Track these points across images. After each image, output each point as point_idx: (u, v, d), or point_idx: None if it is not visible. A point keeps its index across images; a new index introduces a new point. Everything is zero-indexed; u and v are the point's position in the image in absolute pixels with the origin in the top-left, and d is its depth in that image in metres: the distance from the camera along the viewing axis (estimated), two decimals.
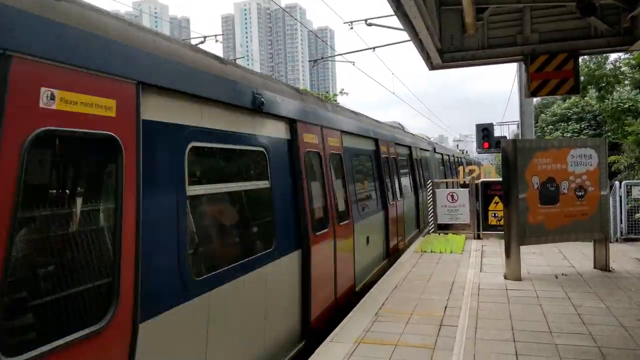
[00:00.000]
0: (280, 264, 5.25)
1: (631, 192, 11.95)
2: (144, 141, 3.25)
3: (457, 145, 78.75)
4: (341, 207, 7.53)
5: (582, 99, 26.70)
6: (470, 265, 9.58)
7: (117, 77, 3.06)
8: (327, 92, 48.08)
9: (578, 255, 10.17)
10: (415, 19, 6.65)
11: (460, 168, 24.56)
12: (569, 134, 29.08)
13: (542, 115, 33.15)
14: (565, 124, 30.38)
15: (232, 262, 4.35)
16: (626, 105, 18.55)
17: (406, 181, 13.65)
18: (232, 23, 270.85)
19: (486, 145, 18.89)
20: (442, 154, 23.66)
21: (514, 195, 8.40)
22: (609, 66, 19.13)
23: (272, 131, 5.49)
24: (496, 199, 12.64)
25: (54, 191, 3.00)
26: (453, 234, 13.60)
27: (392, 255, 10.69)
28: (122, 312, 2.92)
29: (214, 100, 4.24)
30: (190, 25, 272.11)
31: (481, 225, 12.93)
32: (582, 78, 16.54)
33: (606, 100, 19.14)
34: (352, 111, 9.71)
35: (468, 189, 13.45)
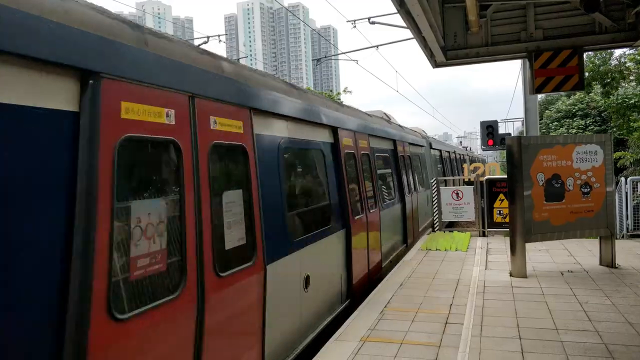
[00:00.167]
0: (335, 238, 6.94)
1: (637, 188, 11.91)
2: (257, 146, 4.80)
3: (460, 142, 78.37)
4: (370, 197, 9.01)
5: (587, 95, 26.56)
6: (475, 263, 9.57)
7: (241, 106, 4.56)
8: (331, 91, 47.95)
9: (584, 252, 10.15)
10: (419, 16, 6.65)
11: (465, 166, 23.96)
12: (574, 131, 28.96)
13: (546, 111, 33.02)
14: (570, 121, 30.25)
15: (311, 231, 6.11)
16: (631, 101, 18.45)
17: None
18: (235, 23, 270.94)
19: (491, 142, 18.85)
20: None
21: (519, 193, 8.38)
22: (613, 62, 19.03)
23: (325, 137, 7.11)
24: (501, 196, 12.62)
25: (217, 179, 4.19)
26: (458, 231, 13.60)
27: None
28: (258, 258, 4.57)
29: (293, 117, 5.86)
30: (193, 26, 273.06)
31: (486, 223, 12.91)
32: (586, 74, 16.46)
33: (611, 96, 19.04)
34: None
35: (473, 187, 13.43)
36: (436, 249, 11.13)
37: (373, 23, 16.36)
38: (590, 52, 17.19)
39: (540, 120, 22.64)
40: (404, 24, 7.45)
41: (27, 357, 2.40)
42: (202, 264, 3.72)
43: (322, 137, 6.98)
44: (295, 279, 5.51)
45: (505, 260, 9.59)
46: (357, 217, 7.80)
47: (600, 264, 8.92)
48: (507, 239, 9.12)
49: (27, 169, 2.46)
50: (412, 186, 12.96)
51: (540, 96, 24.53)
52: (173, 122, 3.54)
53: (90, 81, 2.82)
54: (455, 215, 13.62)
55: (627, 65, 18.77)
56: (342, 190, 7.31)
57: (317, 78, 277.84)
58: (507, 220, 11.25)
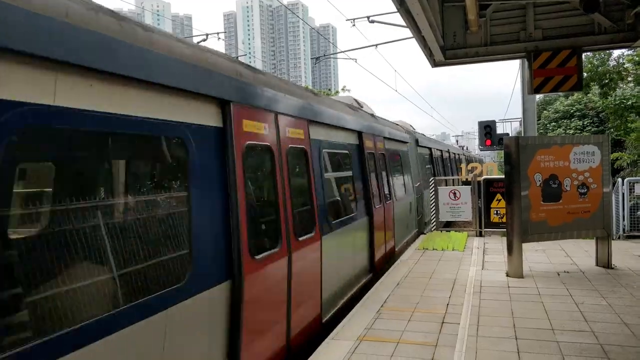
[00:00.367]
0: (361, 223, 8.32)
1: (634, 189, 11.92)
2: (312, 148, 6.36)
3: (457, 141, 78.44)
4: (385, 190, 10.35)
5: (585, 95, 26.62)
6: (472, 263, 9.58)
7: (303, 118, 6.11)
8: (329, 90, 47.85)
9: (580, 252, 10.17)
10: (418, 15, 6.63)
11: (462, 166, 23.58)
12: (571, 131, 29.02)
13: (544, 112, 33.08)
14: (568, 121, 30.32)
15: (342, 216, 7.49)
16: (629, 102, 18.51)
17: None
18: (234, 20, 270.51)
19: (488, 142, 18.84)
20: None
21: (516, 193, 8.38)
22: (612, 63, 19.07)
23: (352, 140, 8.48)
24: (498, 196, 12.62)
25: (283, 174, 5.45)
26: (455, 231, 13.60)
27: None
28: (316, 231, 6.17)
29: (333, 125, 7.38)
30: (192, 23, 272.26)
31: (483, 223, 12.92)
32: (584, 75, 16.47)
33: (609, 97, 19.09)
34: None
35: (470, 187, 13.44)
36: (433, 249, 11.14)
37: (372, 22, 16.36)
38: (589, 53, 17.22)
39: (538, 120, 22.64)
40: (403, 23, 7.44)
41: (218, 268, 4.12)
42: (289, 231, 5.37)
43: (350, 139, 8.55)
44: (339, 250, 7.14)
45: (502, 260, 9.60)
46: (377, 206, 9.37)
47: (597, 264, 8.93)
48: (504, 239, 9.12)
49: (203, 165, 3.96)
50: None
51: (538, 96, 24.56)
52: (267, 133, 5.07)
53: (227, 106, 4.32)
54: (452, 215, 13.62)
55: (625, 66, 18.82)
56: (365, 184, 8.81)
57: (316, 76, 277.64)
58: (504, 220, 11.25)
